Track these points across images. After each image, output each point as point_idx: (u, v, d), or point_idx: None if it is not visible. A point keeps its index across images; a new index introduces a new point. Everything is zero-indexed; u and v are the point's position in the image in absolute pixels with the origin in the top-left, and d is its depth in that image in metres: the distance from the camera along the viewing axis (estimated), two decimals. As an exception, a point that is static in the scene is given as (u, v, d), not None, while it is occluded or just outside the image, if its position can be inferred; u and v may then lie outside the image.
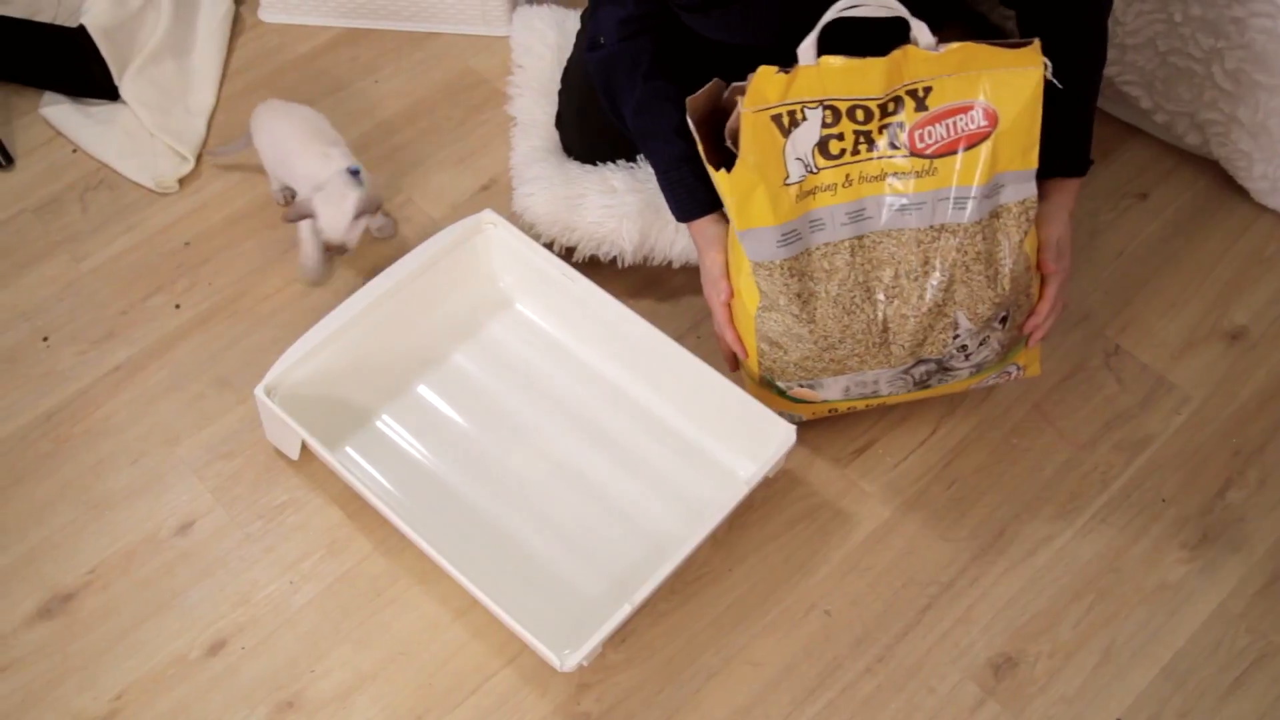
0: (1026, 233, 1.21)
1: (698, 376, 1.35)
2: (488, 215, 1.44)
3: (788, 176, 1.18)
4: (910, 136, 1.17)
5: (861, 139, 1.18)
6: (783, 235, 1.19)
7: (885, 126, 1.18)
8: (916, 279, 1.20)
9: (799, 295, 1.21)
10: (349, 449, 1.38)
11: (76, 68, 1.69)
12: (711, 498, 1.33)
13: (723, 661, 1.27)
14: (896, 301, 1.21)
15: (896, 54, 1.16)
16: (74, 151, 1.68)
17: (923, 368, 1.26)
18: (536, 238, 1.47)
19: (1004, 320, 1.25)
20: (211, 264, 1.57)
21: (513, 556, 1.31)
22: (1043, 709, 1.25)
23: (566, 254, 1.48)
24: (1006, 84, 1.16)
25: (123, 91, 1.69)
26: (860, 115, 1.17)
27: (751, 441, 1.34)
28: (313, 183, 1.43)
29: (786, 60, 1.17)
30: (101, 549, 1.33)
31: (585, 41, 1.40)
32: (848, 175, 1.18)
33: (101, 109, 1.70)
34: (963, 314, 1.21)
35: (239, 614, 1.29)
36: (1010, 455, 1.42)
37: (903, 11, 1.16)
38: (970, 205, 1.18)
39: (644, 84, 1.31)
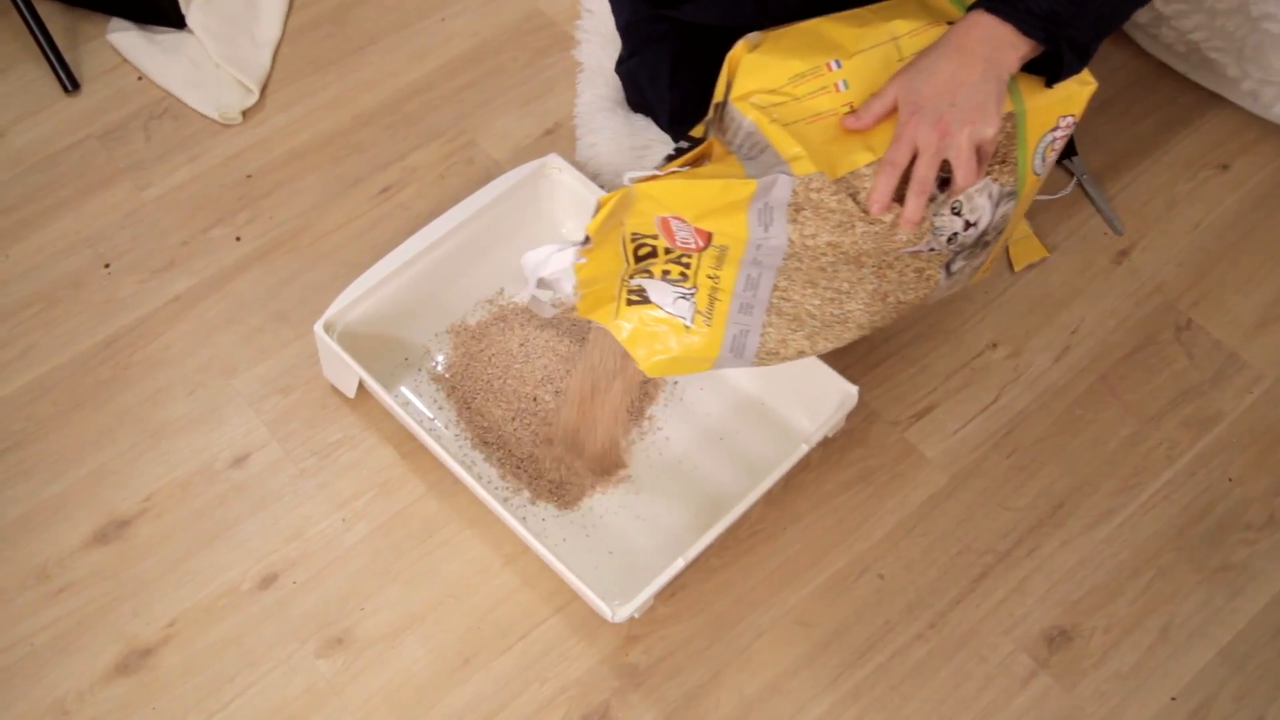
0: (851, 192, 1.06)
1: (759, 332, 1.33)
2: (553, 160, 1.42)
3: (685, 319, 1.12)
4: (677, 244, 1.09)
5: (678, 259, 1.10)
6: (731, 348, 1.14)
7: (666, 250, 1.11)
8: (846, 275, 1.12)
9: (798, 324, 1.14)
10: (404, 389, 1.37)
11: (144, -6, 1.68)
12: (769, 456, 1.32)
13: (772, 620, 1.26)
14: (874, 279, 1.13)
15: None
16: (139, 79, 1.67)
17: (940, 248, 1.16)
18: (599, 188, 1.45)
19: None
20: (273, 197, 1.56)
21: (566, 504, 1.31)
22: (1095, 684, 1.23)
23: (630, 202, 1.46)
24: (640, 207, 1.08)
25: (189, 20, 1.68)
26: (648, 252, 1.10)
27: (811, 401, 1.32)
28: None
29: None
30: (157, 477, 1.34)
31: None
32: (707, 275, 1.11)
33: (168, 37, 1.69)
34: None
35: (291, 549, 1.29)
36: (1073, 427, 1.39)
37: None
38: (772, 242, 1.07)
39: (670, 94, 1.28)
